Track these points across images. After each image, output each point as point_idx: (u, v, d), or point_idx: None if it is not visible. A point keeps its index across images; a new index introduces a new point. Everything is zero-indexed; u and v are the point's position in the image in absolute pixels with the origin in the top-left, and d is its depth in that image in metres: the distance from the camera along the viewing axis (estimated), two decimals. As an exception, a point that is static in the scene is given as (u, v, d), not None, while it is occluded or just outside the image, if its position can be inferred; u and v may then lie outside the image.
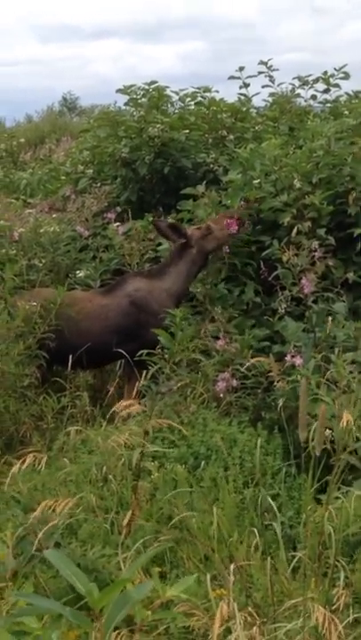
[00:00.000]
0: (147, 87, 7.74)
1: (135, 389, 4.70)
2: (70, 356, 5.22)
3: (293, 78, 8.24)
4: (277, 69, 7.91)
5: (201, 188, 6.48)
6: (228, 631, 2.70)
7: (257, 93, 8.32)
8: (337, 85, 8.00)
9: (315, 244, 5.22)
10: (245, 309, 5.90)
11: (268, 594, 3.16)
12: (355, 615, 3.03)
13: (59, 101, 26.51)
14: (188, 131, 7.52)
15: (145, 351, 4.78)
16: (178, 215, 6.53)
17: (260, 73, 7.90)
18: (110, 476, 3.94)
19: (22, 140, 12.72)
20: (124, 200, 7.42)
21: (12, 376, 4.98)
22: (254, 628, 2.75)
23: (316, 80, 8.07)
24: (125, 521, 3.50)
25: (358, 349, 4.68)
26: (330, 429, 3.52)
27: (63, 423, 4.87)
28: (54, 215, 7.09)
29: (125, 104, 7.89)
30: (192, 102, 8.14)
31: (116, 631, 2.58)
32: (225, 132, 7.76)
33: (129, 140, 7.55)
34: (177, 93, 8.07)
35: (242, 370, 4.81)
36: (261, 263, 5.64)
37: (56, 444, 4.38)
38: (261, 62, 7.85)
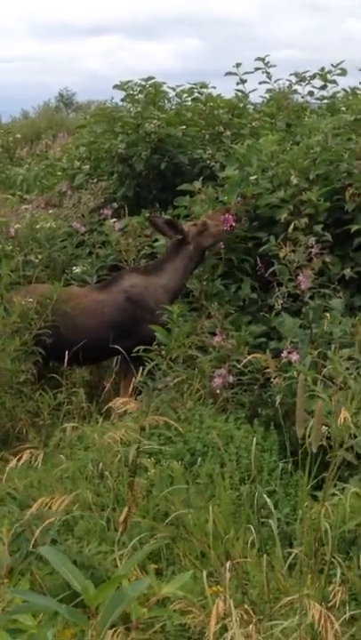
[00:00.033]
0: (143, 83, 7.72)
1: (131, 385, 4.71)
2: (66, 352, 5.22)
3: (290, 75, 8.22)
4: (274, 66, 7.89)
5: (198, 185, 6.47)
6: (225, 628, 2.70)
7: (254, 90, 8.32)
8: (334, 82, 7.97)
9: (312, 240, 5.21)
10: (242, 305, 5.89)
11: (264, 591, 3.16)
12: (351, 612, 3.02)
13: (55, 97, 26.48)
14: (184, 127, 7.51)
15: (141, 347, 4.78)
16: (174, 211, 6.53)
17: (256, 69, 7.87)
18: (106, 473, 3.93)
19: (18, 135, 12.73)
20: (121, 196, 7.40)
21: (8, 372, 4.98)
22: (250, 625, 2.75)
23: (313, 76, 8.04)
24: (122, 518, 3.50)
25: (355, 346, 4.68)
26: (326, 426, 3.52)
27: (59, 419, 4.87)
28: (50, 211, 7.07)
29: (122, 100, 7.88)
30: (189, 98, 8.12)
31: (113, 629, 2.58)
32: (222, 128, 7.73)
33: (125, 135, 7.53)
34: (174, 89, 8.07)
35: (238, 366, 4.80)
36: (258, 259, 5.63)
37: (52, 441, 4.38)
38: (258, 59, 7.83)
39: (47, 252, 6.34)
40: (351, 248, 5.85)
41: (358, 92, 7.89)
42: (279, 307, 5.14)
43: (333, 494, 3.50)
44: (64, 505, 3.12)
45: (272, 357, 4.58)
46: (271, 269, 5.35)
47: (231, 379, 4.84)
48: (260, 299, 5.89)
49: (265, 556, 3.23)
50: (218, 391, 4.82)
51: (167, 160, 7.30)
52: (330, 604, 2.97)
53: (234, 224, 5.79)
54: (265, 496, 3.62)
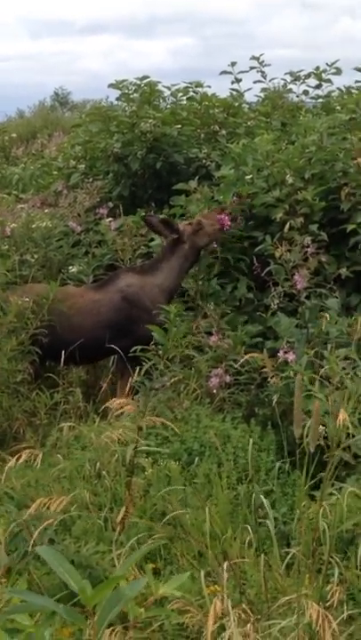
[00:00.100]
0: (139, 82, 7.72)
1: (128, 385, 4.71)
2: (63, 352, 5.21)
3: (285, 74, 8.23)
4: (269, 65, 7.89)
5: (193, 184, 6.47)
6: (223, 628, 2.71)
7: (249, 89, 8.32)
8: (329, 81, 7.98)
9: (307, 239, 5.21)
10: (238, 305, 5.89)
11: (261, 590, 3.16)
12: (349, 612, 3.03)
13: (50, 96, 26.47)
14: (180, 126, 7.51)
15: (138, 347, 4.78)
16: (170, 210, 6.52)
17: (251, 68, 7.87)
18: (104, 473, 3.93)
19: (14, 135, 12.72)
20: (117, 195, 7.40)
21: (4, 372, 4.97)
22: (248, 624, 2.75)
23: (308, 75, 8.05)
24: (119, 517, 3.50)
25: (351, 345, 4.68)
26: (323, 425, 3.52)
27: (56, 419, 4.87)
28: (46, 210, 7.06)
29: (117, 99, 7.89)
30: (184, 97, 8.12)
31: (110, 628, 2.58)
32: (217, 128, 7.74)
33: (121, 135, 7.53)
34: (169, 88, 8.06)
35: (235, 366, 4.80)
36: (254, 259, 5.64)
37: (49, 440, 4.37)
38: (253, 58, 7.83)
39: (43, 251, 6.33)
40: (347, 247, 5.85)
41: (353, 91, 7.89)
42: (275, 306, 5.14)
43: (331, 494, 3.51)
44: (62, 506, 3.12)
45: (268, 357, 4.58)
46: (267, 269, 5.35)
47: (228, 378, 4.84)
48: (256, 298, 5.90)
49: (262, 555, 3.24)
50: (215, 391, 4.82)
51: (163, 159, 7.29)
52: (328, 604, 2.97)
53: (229, 224, 5.79)
54: (261, 497, 3.62)
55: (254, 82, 8.12)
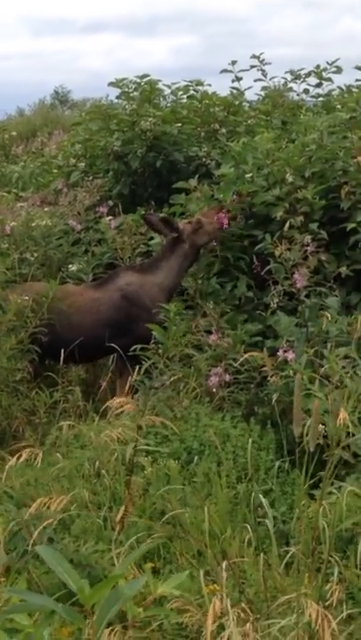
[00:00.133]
0: (139, 80, 7.72)
1: (128, 384, 4.70)
2: (62, 351, 5.21)
3: (286, 72, 8.25)
4: (270, 63, 7.92)
5: (193, 182, 6.47)
6: (222, 627, 2.70)
7: (249, 87, 8.33)
8: (329, 79, 7.99)
9: (307, 238, 5.20)
10: (238, 304, 5.89)
11: (261, 589, 3.16)
12: (348, 611, 3.02)
13: (50, 95, 26.41)
14: (180, 124, 7.51)
15: (138, 346, 4.77)
16: (170, 209, 6.52)
17: (252, 67, 7.89)
18: (103, 471, 3.93)
19: (14, 133, 12.71)
20: (117, 194, 7.40)
21: (4, 370, 4.97)
22: (248, 624, 2.74)
23: (309, 74, 8.07)
24: (118, 516, 3.50)
25: (351, 344, 4.67)
26: (323, 424, 3.52)
27: (56, 418, 4.86)
28: (46, 209, 7.06)
29: (117, 97, 7.87)
30: (184, 96, 8.13)
31: (109, 627, 2.57)
32: (217, 126, 7.74)
33: (121, 133, 7.52)
34: (169, 87, 8.06)
35: (235, 365, 4.80)
36: (254, 257, 5.63)
37: (48, 439, 4.37)
38: (254, 56, 7.84)
39: (43, 249, 6.33)
40: (347, 246, 5.85)
41: (354, 89, 7.89)
42: (275, 305, 5.13)
43: (330, 493, 3.50)
44: (62, 505, 3.11)
45: (268, 356, 4.57)
46: (267, 268, 5.34)
47: (227, 377, 4.83)
48: (255, 297, 5.89)
49: (262, 554, 3.23)
50: (214, 390, 4.81)
51: (163, 158, 7.29)
52: (327, 603, 2.96)
53: (227, 222, 5.79)
54: (260, 496, 3.62)
55: (255, 80, 8.15)
